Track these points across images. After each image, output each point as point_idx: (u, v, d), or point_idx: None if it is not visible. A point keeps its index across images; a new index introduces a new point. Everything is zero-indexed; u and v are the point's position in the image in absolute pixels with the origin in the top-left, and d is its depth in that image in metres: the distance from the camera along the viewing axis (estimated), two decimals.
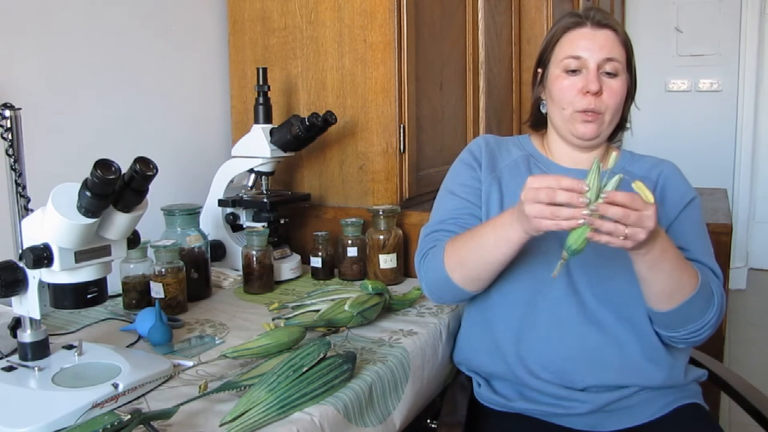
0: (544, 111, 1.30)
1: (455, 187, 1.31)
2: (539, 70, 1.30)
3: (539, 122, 1.34)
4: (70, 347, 1.09)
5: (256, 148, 1.70)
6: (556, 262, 1.20)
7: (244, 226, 1.74)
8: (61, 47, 1.54)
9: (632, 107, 1.29)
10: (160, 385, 1.05)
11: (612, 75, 1.20)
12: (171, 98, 1.83)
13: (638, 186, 0.97)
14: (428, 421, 1.33)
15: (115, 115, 1.67)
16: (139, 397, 1.00)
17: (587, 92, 1.18)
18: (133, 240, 1.05)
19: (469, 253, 1.15)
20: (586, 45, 1.19)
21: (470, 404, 1.27)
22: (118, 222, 0.98)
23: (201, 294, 1.54)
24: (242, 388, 0.99)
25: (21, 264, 0.97)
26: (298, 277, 1.72)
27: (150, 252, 1.45)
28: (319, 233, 1.69)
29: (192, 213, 1.54)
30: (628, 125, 1.30)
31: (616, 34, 1.21)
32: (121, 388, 0.97)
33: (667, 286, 1.08)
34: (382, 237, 1.63)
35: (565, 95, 1.21)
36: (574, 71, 1.20)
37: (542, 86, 1.29)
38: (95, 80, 1.62)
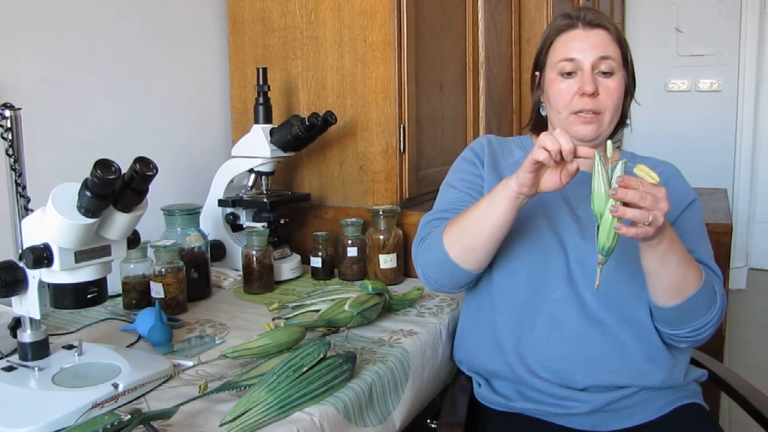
0: (544, 114, 1.30)
1: (455, 181, 1.32)
2: (537, 74, 1.30)
3: (539, 125, 1.34)
4: (70, 347, 1.09)
5: (256, 148, 1.70)
6: (558, 263, 1.20)
7: (244, 226, 1.74)
8: (61, 47, 1.54)
9: (632, 103, 1.29)
10: (160, 385, 1.05)
11: (608, 74, 1.20)
12: (171, 98, 1.83)
13: (641, 169, 0.97)
14: (428, 421, 1.33)
15: (115, 115, 1.67)
16: (139, 397, 1.00)
17: (583, 94, 1.18)
18: (133, 240, 1.05)
19: (465, 220, 1.16)
20: (579, 46, 1.19)
21: (470, 404, 1.27)
22: (118, 222, 0.98)
23: (201, 294, 1.54)
24: (242, 388, 0.99)
25: (21, 264, 0.97)
26: (298, 277, 1.72)
27: (150, 252, 1.45)
28: (319, 233, 1.69)
29: (192, 213, 1.54)
30: (628, 121, 1.30)
31: (608, 32, 1.21)
32: (121, 388, 0.97)
33: (674, 279, 1.08)
34: (382, 237, 1.63)
35: (562, 98, 1.21)
36: (569, 74, 1.20)
37: (540, 89, 1.29)
38: (95, 80, 1.62)
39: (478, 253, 1.17)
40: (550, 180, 1.06)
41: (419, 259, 1.26)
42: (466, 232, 1.16)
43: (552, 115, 1.26)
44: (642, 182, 0.96)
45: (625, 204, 0.95)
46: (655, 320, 1.17)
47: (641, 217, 0.95)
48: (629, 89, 1.25)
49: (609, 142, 1.02)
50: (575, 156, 1.01)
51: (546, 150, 1.01)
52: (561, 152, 1.01)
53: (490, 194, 1.13)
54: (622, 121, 1.28)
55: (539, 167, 1.04)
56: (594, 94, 1.18)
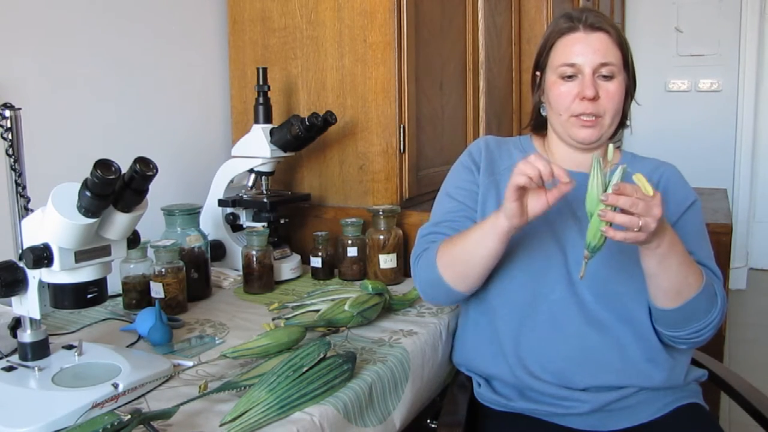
0: (544, 114, 1.30)
1: (452, 189, 1.32)
2: (537, 74, 1.30)
3: (540, 125, 1.34)
4: (70, 347, 1.09)
5: (256, 148, 1.70)
6: (557, 264, 1.20)
7: (244, 226, 1.74)
8: (61, 47, 1.54)
9: (633, 104, 1.29)
10: (160, 385, 1.05)
11: (608, 78, 1.19)
12: (171, 98, 1.83)
13: (638, 178, 0.99)
14: (428, 421, 1.33)
15: (115, 115, 1.67)
16: (139, 397, 1.00)
17: (583, 98, 1.18)
18: (133, 240, 1.05)
19: (458, 250, 1.17)
20: (580, 50, 1.19)
21: (470, 404, 1.27)
22: (118, 222, 0.98)
23: (201, 294, 1.54)
24: (242, 388, 0.99)
25: (21, 264, 0.97)
26: (298, 277, 1.72)
27: (150, 252, 1.45)
28: (319, 233, 1.69)
29: (192, 213, 1.54)
30: (627, 123, 1.30)
31: (609, 36, 1.20)
32: (121, 388, 0.97)
33: (675, 282, 1.08)
34: (382, 237, 1.63)
35: (562, 101, 1.21)
36: (570, 77, 1.20)
37: (541, 90, 1.29)
38: (95, 80, 1.62)
39: (471, 279, 1.19)
40: (537, 204, 1.06)
41: (416, 276, 1.27)
42: (459, 261, 1.18)
43: (552, 117, 1.26)
44: (637, 189, 0.97)
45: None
46: (654, 322, 1.17)
47: (630, 223, 0.96)
48: (630, 91, 1.25)
49: (611, 146, 1.03)
50: (553, 176, 1.02)
51: (525, 173, 1.01)
52: (541, 176, 1.02)
53: (481, 226, 1.14)
54: (622, 122, 1.28)
55: (522, 194, 1.05)
56: (594, 98, 1.18)
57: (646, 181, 0.98)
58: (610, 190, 0.96)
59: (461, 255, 1.17)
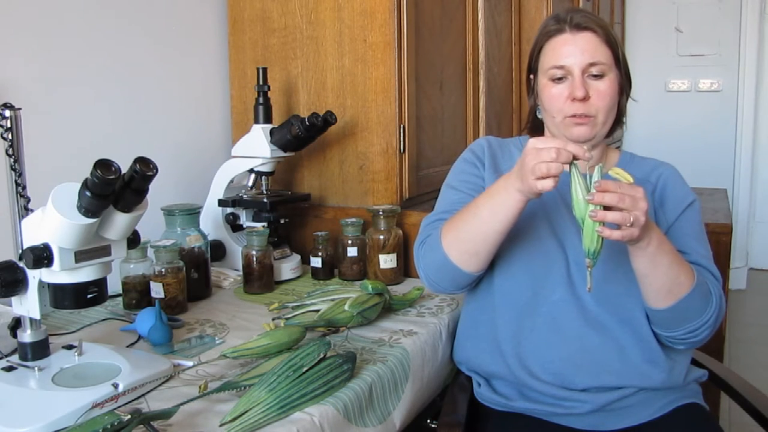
0: (540, 116, 1.30)
1: (457, 182, 1.31)
2: (531, 77, 1.30)
3: (536, 128, 1.34)
4: (70, 347, 1.09)
5: (256, 148, 1.70)
6: (558, 265, 1.20)
7: (244, 226, 1.74)
8: (61, 47, 1.54)
9: (629, 101, 1.28)
10: (160, 385, 1.05)
11: (598, 77, 1.19)
12: (171, 98, 1.83)
13: (616, 172, 0.99)
14: (428, 421, 1.33)
15: (115, 115, 1.67)
16: (139, 397, 1.00)
17: (574, 99, 1.18)
18: (133, 240, 1.05)
19: (465, 225, 1.15)
20: (568, 51, 1.19)
21: (470, 404, 1.27)
22: (118, 222, 0.98)
23: (201, 294, 1.54)
24: (242, 388, 0.99)
25: (21, 264, 0.97)
26: (298, 277, 1.72)
27: (150, 252, 1.45)
28: (319, 233, 1.69)
29: (192, 213, 1.54)
30: (624, 120, 1.30)
31: (596, 35, 1.19)
32: (121, 388, 0.97)
33: (666, 281, 1.08)
34: (382, 237, 1.63)
35: (554, 103, 1.21)
36: (560, 78, 1.20)
37: (535, 93, 1.29)
38: (95, 80, 1.62)
39: (480, 257, 1.17)
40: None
41: (420, 262, 1.25)
42: (467, 237, 1.15)
43: (547, 119, 1.26)
44: (620, 185, 0.97)
45: (606, 208, 0.96)
46: (651, 323, 1.17)
47: (622, 219, 0.96)
48: (623, 88, 1.24)
49: (584, 147, 1.02)
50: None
51: (550, 176, 0.99)
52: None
53: (490, 199, 1.11)
54: (618, 120, 1.27)
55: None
56: (585, 99, 1.18)
57: (623, 171, 0.98)
58: (593, 191, 0.96)
59: (469, 231, 1.14)
